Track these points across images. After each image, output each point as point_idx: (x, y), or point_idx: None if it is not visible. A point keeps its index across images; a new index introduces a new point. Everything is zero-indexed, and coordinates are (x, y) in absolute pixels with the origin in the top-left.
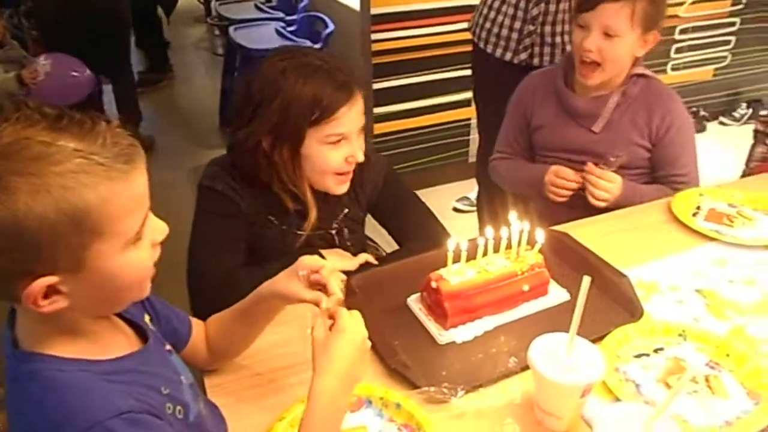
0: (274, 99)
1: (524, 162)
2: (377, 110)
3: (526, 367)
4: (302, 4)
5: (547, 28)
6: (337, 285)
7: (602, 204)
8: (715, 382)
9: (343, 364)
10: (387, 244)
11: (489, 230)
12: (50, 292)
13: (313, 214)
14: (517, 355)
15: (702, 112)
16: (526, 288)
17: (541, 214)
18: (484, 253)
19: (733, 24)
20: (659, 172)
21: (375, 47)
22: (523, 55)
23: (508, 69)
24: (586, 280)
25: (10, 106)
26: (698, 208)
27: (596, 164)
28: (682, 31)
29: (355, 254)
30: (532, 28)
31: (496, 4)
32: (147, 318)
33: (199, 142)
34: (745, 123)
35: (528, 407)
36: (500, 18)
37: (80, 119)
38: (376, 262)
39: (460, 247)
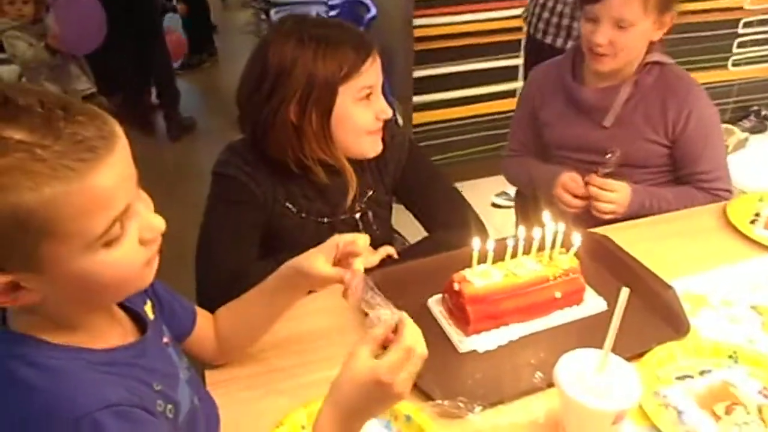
0: (294, 68)
1: (535, 162)
2: (417, 99)
3: (552, 384)
4: None
5: None
6: (362, 263)
7: (608, 217)
8: None
9: (366, 406)
10: (414, 236)
11: (521, 230)
12: (12, 288)
13: (353, 180)
14: (543, 370)
15: (764, 112)
16: (558, 295)
17: (577, 215)
18: (513, 255)
19: None
20: (682, 171)
21: (417, 33)
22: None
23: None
24: (625, 292)
25: None
26: (757, 215)
27: (596, 171)
28: (746, 25)
29: (381, 241)
30: None
31: None
32: (148, 305)
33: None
34: None
35: (552, 429)
36: (558, 6)
37: (26, 105)
38: (397, 257)
39: (486, 246)
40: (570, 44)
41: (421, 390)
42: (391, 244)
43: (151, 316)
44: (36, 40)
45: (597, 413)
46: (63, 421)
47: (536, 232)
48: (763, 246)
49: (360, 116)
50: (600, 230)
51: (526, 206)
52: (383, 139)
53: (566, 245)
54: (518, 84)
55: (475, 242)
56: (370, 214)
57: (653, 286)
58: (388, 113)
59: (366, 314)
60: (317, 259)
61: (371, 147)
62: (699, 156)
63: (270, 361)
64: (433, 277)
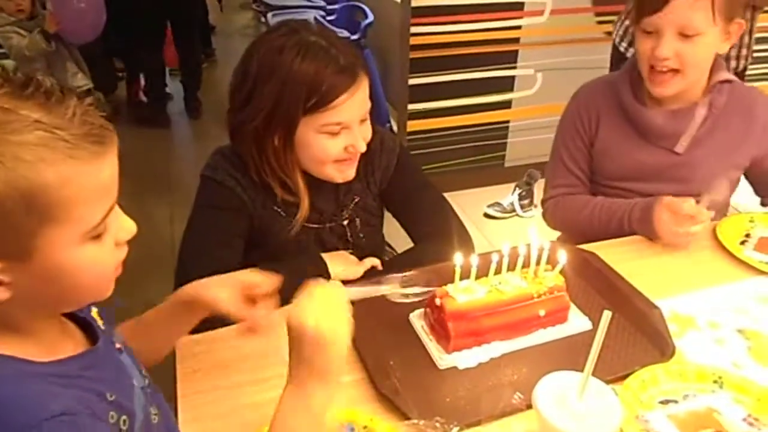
0: (270, 79)
1: (599, 198)
2: (412, 106)
3: (531, 405)
4: None
5: None
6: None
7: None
8: None
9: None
10: (404, 248)
11: (505, 246)
12: None
13: (305, 204)
14: (524, 390)
15: None
16: (542, 313)
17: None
18: (497, 271)
19: None
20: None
21: (414, 41)
22: None
23: None
24: (606, 316)
25: None
26: (747, 235)
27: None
28: (758, 41)
29: (370, 249)
30: None
31: None
32: (94, 311)
33: None
34: None
35: None
36: None
37: (49, 89)
38: (381, 269)
39: (470, 261)
40: None
41: (397, 408)
42: (382, 252)
43: (99, 321)
44: (32, 34)
45: None
46: (9, 429)
47: (521, 248)
48: (751, 267)
49: (325, 148)
50: (588, 247)
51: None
52: (373, 147)
53: (552, 262)
54: (513, 95)
55: (458, 258)
56: (357, 221)
57: (639, 306)
58: (360, 148)
59: None
60: (220, 292)
61: (338, 175)
62: None
63: (241, 374)
64: None
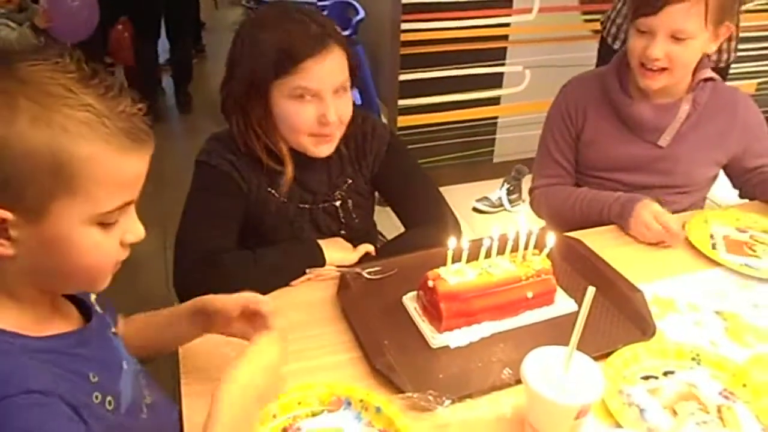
0: (247, 49)
1: (583, 189)
2: (402, 102)
3: (520, 380)
4: None
5: None
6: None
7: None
8: (728, 413)
9: (246, 373)
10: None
11: (495, 230)
12: None
13: (289, 170)
14: (512, 367)
15: None
16: (530, 295)
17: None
18: (488, 255)
19: None
20: (747, 166)
21: (404, 37)
22: None
23: None
24: (591, 291)
25: (55, 52)
26: (711, 236)
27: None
28: (741, 41)
29: (363, 232)
30: None
31: None
32: (93, 297)
33: (223, 122)
34: None
35: (518, 423)
36: None
37: (110, 86)
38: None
39: (461, 245)
40: None
41: (392, 382)
42: (374, 238)
43: (97, 307)
44: (21, 27)
45: (561, 407)
46: None
47: (511, 233)
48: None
49: (297, 115)
50: (574, 234)
51: None
52: (364, 132)
53: (539, 247)
54: (502, 91)
55: (451, 241)
56: (350, 202)
57: (622, 289)
58: (331, 118)
59: None
60: (229, 301)
61: (314, 148)
62: (763, 153)
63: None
64: (409, 274)
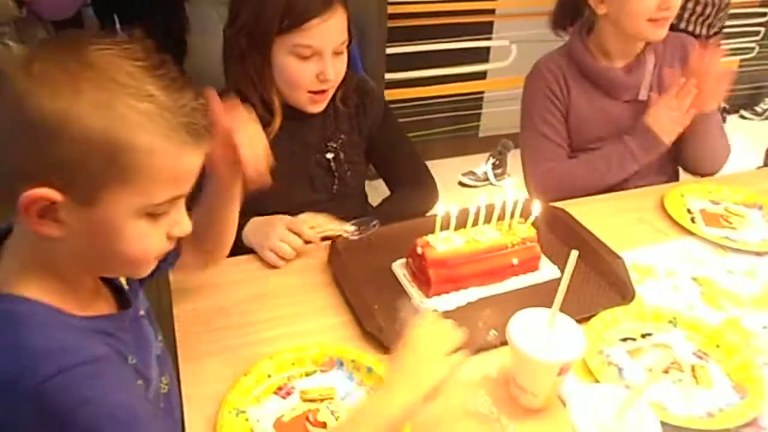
0: (252, 1)
1: (582, 155)
2: (389, 76)
3: (505, 342)
4: None
5: None
6: None
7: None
8: (701, 372)
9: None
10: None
11: (482, 198)
12: (48, 212)
13: (277, 123)
14: (497, 329)
15: (723, 104)
16: (515, 262)
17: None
18: (474, 223)
19: (764, 14)
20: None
21: (391, 10)
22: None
23: None
24: (574, 254)
25: (125, 38)
26: (689, 211)
27: None
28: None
29: (356, 191)
30: None
31: None
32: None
33: None
34: (767, 118)
35: (504, 382)
36: None
37: (175, 77)
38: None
39: (449, 214)
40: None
41: (382, 344)
42: (364, 201)
43: (125, 284)
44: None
45: (544, 365)
46: (46, 371)
47: (497, 202)
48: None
49: (297, 71)
50: (558, 204)
51: None
52: (364, 92)
53: (525, 215)
54: (488, 66)
55: (440, 209)
56: (342, 156)
57: (604, 256)
58: (329, 76)
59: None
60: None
61: (310, 105)
62: None
63: (235, 318)
64: (398, 241)
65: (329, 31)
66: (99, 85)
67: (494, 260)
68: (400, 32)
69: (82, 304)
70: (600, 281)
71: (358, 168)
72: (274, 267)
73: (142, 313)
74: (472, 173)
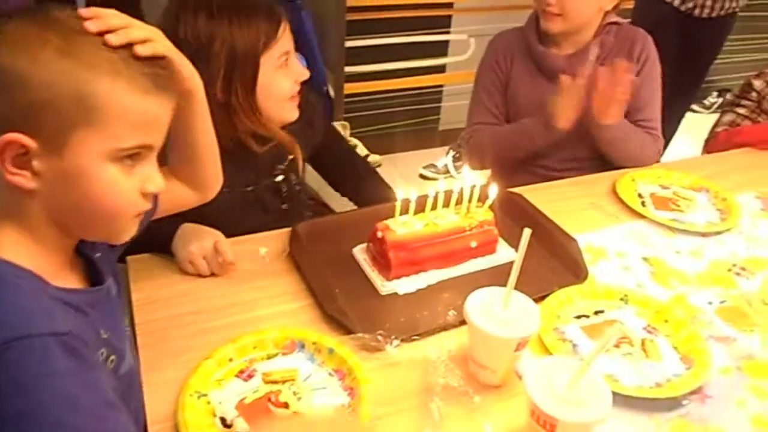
0: (212, 45)
1: (507, 125)
2: (348, 69)
3: (463, 322)
4: None
5: None
6: None
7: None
8: (650, 345)
9: None
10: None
11: (440, 183)
12: (22, 163)
13: (294, 145)
14: (456, 309)
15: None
16: (473, 244)
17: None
18: (434, 207)
19: None
20: (631, 118)
21: (350, 3)
22: (690, 3)
23: (672, 16)
24: (527, 232)
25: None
26: (640, 195)
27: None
28: None
29: (302, 202)
30: None
31: None
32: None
33: None
34: (714, 111)
35: (462, 360)
36: None
37: None
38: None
39: (409, 199)
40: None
41: (343, 326)
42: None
43: (97, 254)
44: None
45: (501, 341)
46: (14, 332)
47: (456, 186)
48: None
49: (282, 83)
50: (515, 190)
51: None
52: (300, 104)
53: (482, 199)
54: (447, 59)
55: (399, 193)
56: (292, 176)
57: (559, 238)
58: (305, 74)
59: None
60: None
61: (292, 112)
62: (645, 104)
63: (195, 304)
64: (359, 227)
65: (290, 35)
66: (65, 36)
67: (453, 243)
68: (360, 25)
69: (56, 275)
70: (555, 262)
71: (304, 186)
72: None
73: (114, 293)
74: (433, 166)
